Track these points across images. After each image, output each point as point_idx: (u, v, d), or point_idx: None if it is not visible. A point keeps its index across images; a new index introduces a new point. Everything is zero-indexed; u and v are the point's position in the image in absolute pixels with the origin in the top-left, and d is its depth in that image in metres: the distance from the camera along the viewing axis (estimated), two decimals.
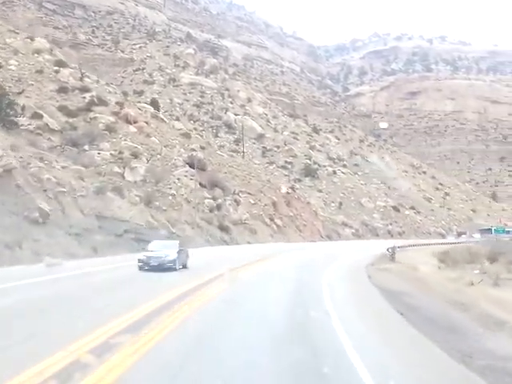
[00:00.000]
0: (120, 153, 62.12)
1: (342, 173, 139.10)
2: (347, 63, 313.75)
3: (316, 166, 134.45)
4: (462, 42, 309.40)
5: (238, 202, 66.19)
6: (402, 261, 32.03)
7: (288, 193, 78.02)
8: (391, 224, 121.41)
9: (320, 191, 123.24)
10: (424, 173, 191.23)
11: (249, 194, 70.71)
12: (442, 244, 71.20)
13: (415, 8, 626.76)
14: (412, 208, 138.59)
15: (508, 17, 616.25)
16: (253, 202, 69.58)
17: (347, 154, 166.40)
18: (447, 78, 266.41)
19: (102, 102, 74.67)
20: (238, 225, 61.81)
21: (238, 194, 68.26)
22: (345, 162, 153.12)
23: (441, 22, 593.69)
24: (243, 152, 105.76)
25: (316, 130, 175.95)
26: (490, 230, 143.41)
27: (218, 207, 61.43)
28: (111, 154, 60.94)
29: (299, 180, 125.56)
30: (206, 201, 60.39)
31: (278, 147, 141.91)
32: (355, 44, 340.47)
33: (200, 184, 65.51)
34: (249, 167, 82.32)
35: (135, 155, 62.26)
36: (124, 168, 56.89)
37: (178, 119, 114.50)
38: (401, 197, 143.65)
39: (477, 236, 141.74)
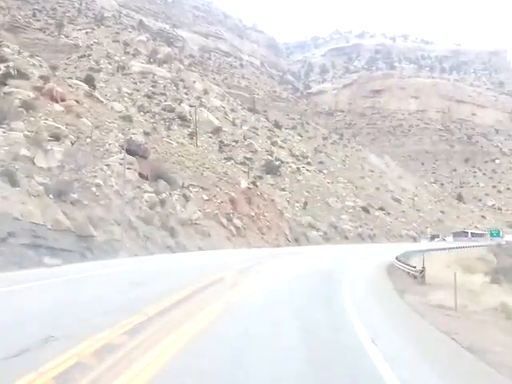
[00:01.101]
0: (37, 133, 48.75)
1: (307, 170, 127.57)
2: (308, 60, 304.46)
3: (278, 163, 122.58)
4: (424, 41, 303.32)
5: (187, 198, 53.27)
6: (437, 281, 20.17)
7: (249, 188, 65.41)
8: (361, 226, 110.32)
9: (283, 190, 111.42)
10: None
11: (202, 188, 57.97)
12: (446, 249, 60.19)
13: (376, 6, 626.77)
14: (381, 209, 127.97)
15: (470, 16, 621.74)
16: (206, 197, 56.83)
17: (311, 151, 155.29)
18: (411, 76, 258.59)
19: (22, 76, 61.06)
20: (187, 226, 48.98)
21: (187, 188, 55.39)
22: (309, 160, 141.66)
23: (403, 21, 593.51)
24: (196, 137, 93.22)
25: (278, 126, 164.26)
26: (465, 233, 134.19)
27: (162, 203, 48.53)
28: (25, 134, 47.55)
29: (260, 177, 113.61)
30: (146, 195, 47.41)
31: (237, 142, 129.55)
32: (316, 41, 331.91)
33: (140, 175, 52.53)
34: (202, 157, 69.22)
35: (57, 137, 49.04)
36: (36, 151, 43.53)
37: (128, 109, 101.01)
38: (369, 197, 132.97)
39: (449, 239, 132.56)
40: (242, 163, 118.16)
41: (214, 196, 58.31)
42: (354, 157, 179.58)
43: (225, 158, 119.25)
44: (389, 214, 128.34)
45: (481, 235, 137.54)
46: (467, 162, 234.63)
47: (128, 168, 50.24)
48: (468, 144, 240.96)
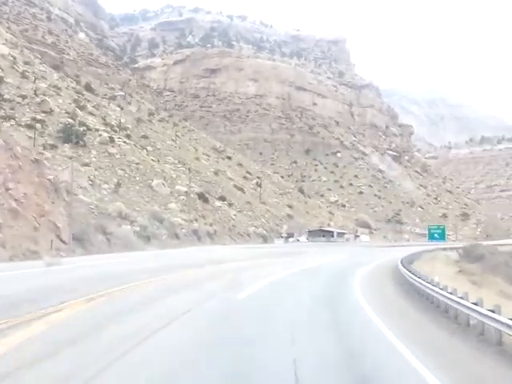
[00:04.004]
0: None
1: (124, 142, 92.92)
2: (136, 34, 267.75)
3: (83, 129, 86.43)
4: (263, 24, 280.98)
5: None
6: None
7: None
8: (197, 220, 78.46)
9: (87, 165, 75.90)
10: (229, 158, 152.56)
11: None
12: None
13: None
14: (222, 198, 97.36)
15: (309, 2, 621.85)
16: None
17: (133, 123, 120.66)
18: (250, 56, 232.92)
19: None
20: None
21: None
22: (129, 132, 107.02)
23: (239, 1, 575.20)
24: None
25: (90, 89, 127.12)
26: (325, 232, 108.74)
27: None
28: None
29: (54, 146, 77.39)
30: None
31: (25, 98, 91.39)
32: (146, 14, 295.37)
33: None
34: None
35: None
36: None
37: None
38: (206, 183, 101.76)
39: (303, 239, 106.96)
40: (29, 126, 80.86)
41: None
42: (187, 137, 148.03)
43: (2, 117, 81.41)
44: (231, 205, 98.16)
45: (342, 235, 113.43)
46: (308, 153, 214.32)
47: None
48: (309, 135, 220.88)
